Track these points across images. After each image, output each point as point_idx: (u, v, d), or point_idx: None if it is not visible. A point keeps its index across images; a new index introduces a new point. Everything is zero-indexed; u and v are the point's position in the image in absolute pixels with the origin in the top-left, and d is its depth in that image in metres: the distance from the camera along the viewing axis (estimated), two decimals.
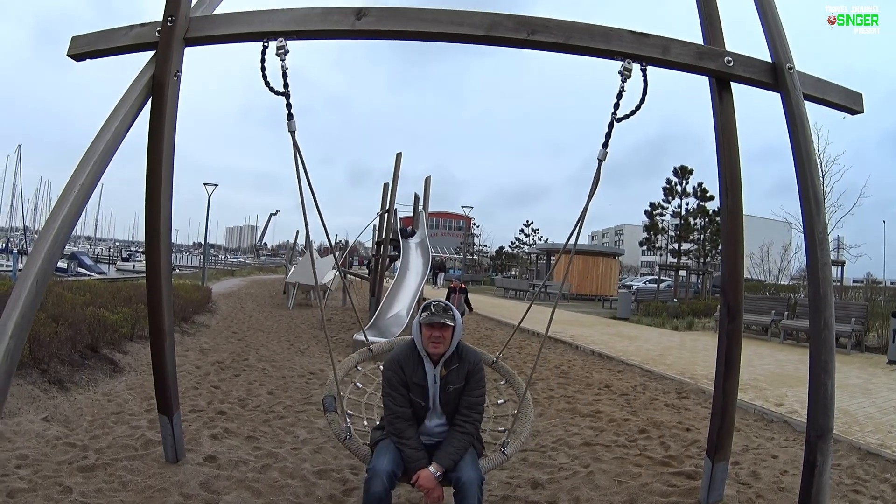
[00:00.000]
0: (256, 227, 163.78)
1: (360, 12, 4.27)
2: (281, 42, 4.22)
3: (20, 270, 5.58)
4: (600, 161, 4.15)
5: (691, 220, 36.14)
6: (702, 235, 36.41)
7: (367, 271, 28.47)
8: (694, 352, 14.21)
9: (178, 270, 48.04)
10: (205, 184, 34.31)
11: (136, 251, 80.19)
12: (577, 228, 4.20)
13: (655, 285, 37.65)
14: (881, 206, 55.60)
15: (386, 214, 18.88)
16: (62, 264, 37.31)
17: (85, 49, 4.61)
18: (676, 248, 36.65)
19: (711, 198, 34.51)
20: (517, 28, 4.26)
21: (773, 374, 11.10)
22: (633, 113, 4.16)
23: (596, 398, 8.93)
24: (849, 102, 4.69)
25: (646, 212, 38.18)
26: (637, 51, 4.24)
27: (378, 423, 4.26)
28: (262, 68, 4.26)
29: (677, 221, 36.91)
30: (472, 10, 4.28)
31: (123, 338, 10.20)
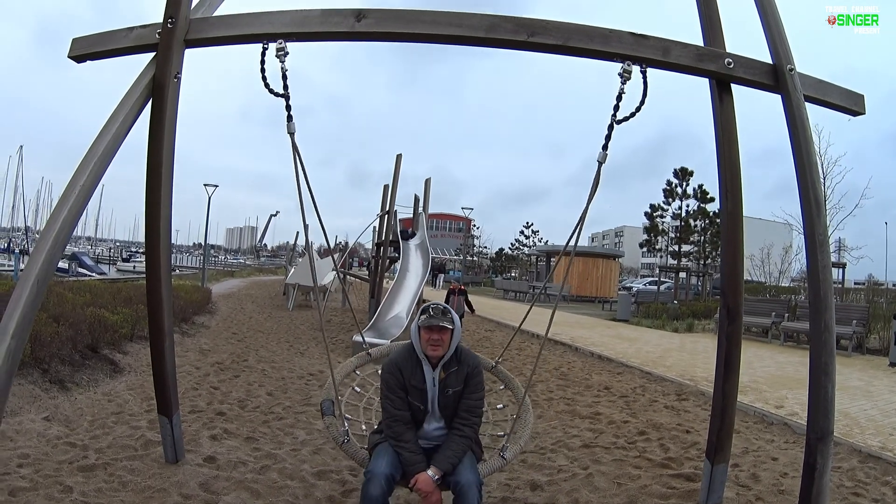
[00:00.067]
0: (256, 228, 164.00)
1: (359, 14, 4.28)
2: (280, 44, 4.23)
3: (22, 271, 5.59)
4: (600, 163, 4.15)
5: (691, 221, 36.11)
6: (702, 237, 36.39)
7: (367, 272, 28.47)
8: (694, 354, 14.21)
9: (178, 271, 48.09)
10: (205, 185, 34.34)
11: (137, 252, 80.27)
12: (577, 230, 4.20)
13: (655, 287, 37.66)
14: (883, 208, 55.46)
15: (386, 216, 18.88)
16: (63, 265, 37.37)
17: (85, 51, 4.62)
18: (676, 249, 36.62)
19: (712, 199, 34.47)
20: (516, 30, 4.26)
21: (774, 376, 11.09)
22: (632, 115, 4.17)
23: (595, 400, 8.93)
24: (850, 104, 4.69)
25: (646, 213, 38.17)
26: (637, 52, 4.25)
27: (376, 426, 4.24)
28: (262, 70, 4.27)
29: (677, 223, 36.88)
30: (471, 12, 4.29)
31: (124, 338, 10.20)
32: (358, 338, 12.35)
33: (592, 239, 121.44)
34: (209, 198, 34.40)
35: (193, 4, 4.58)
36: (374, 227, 21.58)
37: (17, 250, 47.75)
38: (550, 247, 50.38)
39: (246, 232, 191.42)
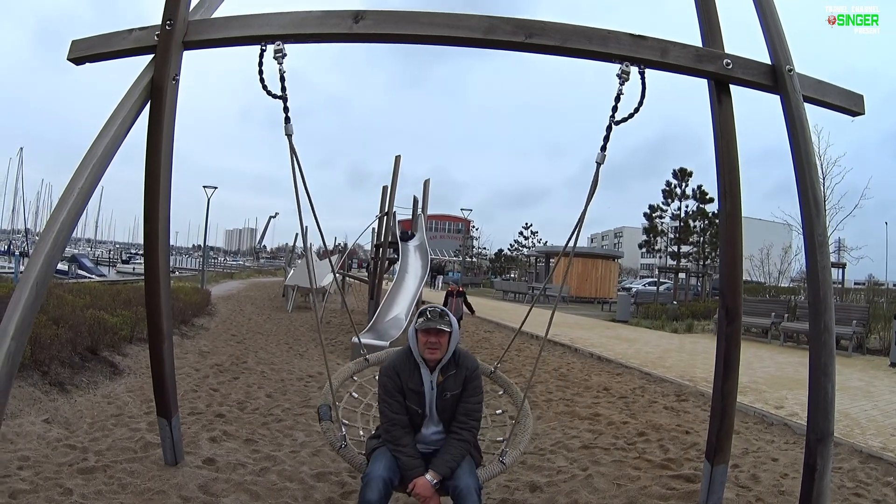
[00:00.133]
0: (256, 229, 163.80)
1: (357, 16, 4.28)
2: (279, 45, 4.23)
3: (21, 273, 5.59)
4: (598, 164, 4.14)
5: (690, 222, 36.04)
6: (701, 238, 36.29)
7: (366, 274, 28.47)
8: (693, 354, 14.22)
9: (177, 273, 48.13)
10: (204, 186, 34.35)
11: (136, 253, 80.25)
12: (576, 231, 4.19)
13: (655, 288, 37.64)
14: (883, 208, 55.43)
15: (385, 217, 18.88)
16: (63, 267, 37.37)
17: (84, 53, 4.62)
18: (676, 250, 36.56)
19: (711, 200, 34.39)
20: (514, 31, 4.26)
21: (773, 376, 11.09)
22: (631, 116, 4.17)
23: (595, 401, 8.92)
24: (849, 104, 4.68)
25: (645, 214, 38.05)
26: (635, 53, 4.25)
27: (374, 431, 4.22)
28: (260, 72, 4.28)
29: (676, 224, 36.82)
30: (469, 14, 4.29)
31: (123, 340, 10.19)
32: (357, 339, 12.42)
33: (592, 240, 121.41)
34: (208, 199, 34.45)
35: (192, 6, 4.58)
36: (373, 229, 21.60)
37: (17, 252, 47.74)
38: (549, 247, 50.37)
39: (245, 233, 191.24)
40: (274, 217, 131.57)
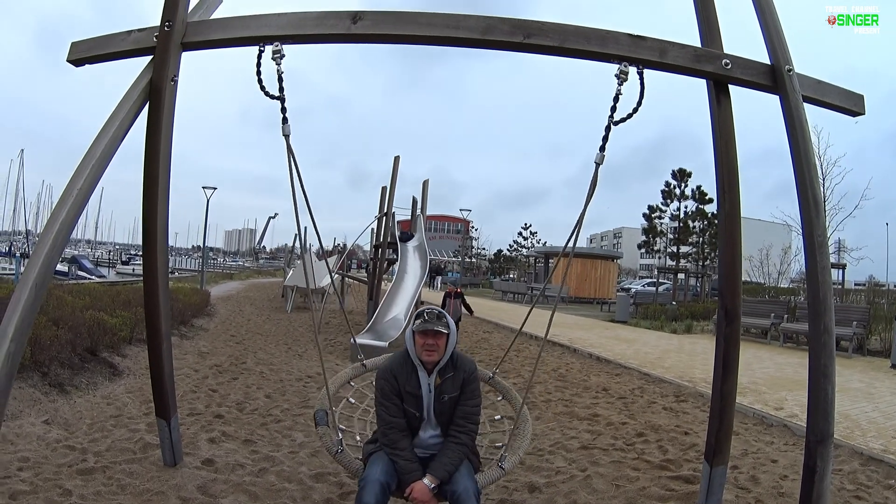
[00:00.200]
0: (255, 230, 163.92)
1: (355, 16, 4.28)
2: (277, 46, 4.24)
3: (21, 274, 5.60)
4: (597, 164, 4.15)
5: (690, 222, 36.09)
6: (700, 238, 36.36)
7: (365, 274, 28.46)
8: (692, 355, 14.21)
9: (176, 274, 48.21)
10: (203, 187, 34.35)
11: (136, 254, 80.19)
12: (576, 231, 4.19)
13: (654, 288, 37.65)
14: (884, 209, 55.32)
15: (384, 217, 18.89)
16: (63, 268, 37.43)
17: (84, 54, 4.62)
18: (675, 251, 36.60)
19: (710, 200, 34.39)
20: (513, 31, 4.26)
21: (773, 377, 11.08)
22: (630, 116, 4.17)
23: (594, 401, 8.92)
24: (849, 104, 4.68)
25: (644, 215, 38.12)
26: (634, 54, 4.25)
27: (370, 437, 4.17)
28: (258, 72, 4.29)
29: (676, 224, 36.86)
30: (467, 14, 4.29)
31: (122, 341, 10.19)
32: (357, 339, 12.40)
33: (591, 240, 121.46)
34: (208, 200, 34.43)
35: (191, 7, 4.59)
36: (373, 229, 21.59)
37: (17, 254, 47.77)
38: (549, 248, 50.41)
39: (245, 234, 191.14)
40: (273, 218, 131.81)
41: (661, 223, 38.45)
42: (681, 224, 36.03)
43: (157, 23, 4.43)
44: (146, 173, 4.59)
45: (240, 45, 4.43)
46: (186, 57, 4.59)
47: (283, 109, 4.22)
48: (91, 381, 8.14)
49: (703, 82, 4.57)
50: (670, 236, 38.35)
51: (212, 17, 4.75)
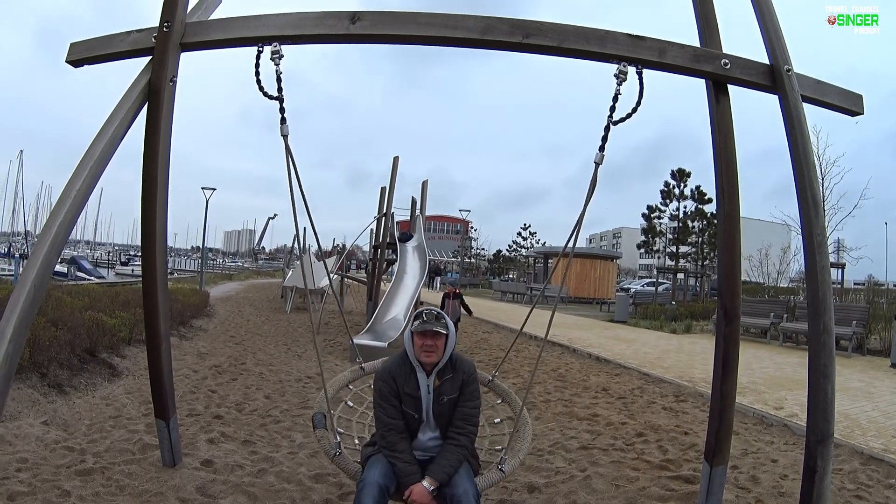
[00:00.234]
0: (255, 230, 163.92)
1: (354, 16, 4.28)
2: (276, 46, 4.24)
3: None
4: (597, 164, 4.15)
5: (689, 222, 36.04)
6: (700, 238, 36.31)
7: (364, 275, 28.45)
8: (692, 355, 14.21)
9: (176, 275, 48.20)
10: (203, 188, 34.33)
11: (135, 255, 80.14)
12: (576, 231, 4.18)
13: (653, 288, 37.64)
14: (883, 208, 55.29)
15: (383, 218, 18.89)
16: (62, 269, 37.37)
17: (83, 55, 4.62)
18: (674, 251, 36.56)
19: (710, 200, 34.31)
20: (511, 31, 4.26)
21: (772, 377, 11.09)
22: (629, 116, 4.17)
23: (593, 401, 8.92)
24: (848, 104, 4.68)
25: (643, 215, 38.07)
26: (633, 53, 4.25)
27: (369, 439, 4.13)
28: (257, 73, 4.30)
29: (675, 224, 36.83)
30: (466, 14, 4.29)
31: (122, 342, 10.18)
32: (356, 340, 12.38)
33: (590, 240, 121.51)
34: (207, 200, 34.40)
35: (190, 8, 4.59)
36: (372, 229, 21.59)
37: (16, 255, 47.74)
38: (548, 248, 50.40)
39: (244, 235, 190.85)
40: (273, 218, 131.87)
41: (661, 223, 38.40)
42: (680, 224, 35.99)
43: (157, 23, 4.43)
44: (145, 174, 4.59)
45: (238, 45, 4.43)
46: (186, 57, 4.60)
47: (282, 110, 4.23)
48: (90, 381, 8.13)
49: (702, 82, 4.57)
50: (669, 236, 38.30)
51: (211, 18, 4.75)
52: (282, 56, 4.24)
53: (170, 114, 4.59)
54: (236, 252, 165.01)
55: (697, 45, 4.51)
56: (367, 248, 29.71)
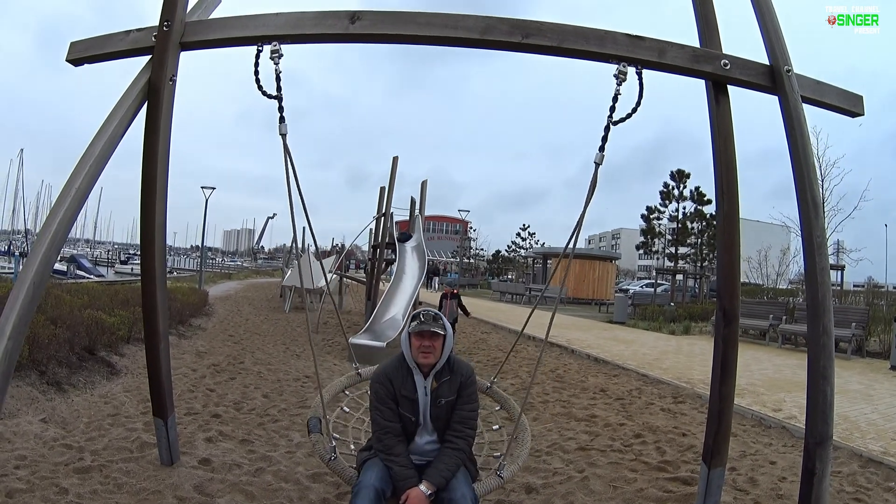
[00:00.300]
0: (254, 230, 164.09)
1: (354, 16, 4.28)
2: (275, 46, 4.25)
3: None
4: (597, 164, 4.15)
5: (688, 223, 36.04)
6: (699, 239, 36.31)
7: (363, 275, 28.47)
8: (690, 356, 14.21)
9: (175, 274, 48.17)
10: (202, 187, 34.34)
11: (135, 254, 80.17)
12: (576, 232, 4.18)
13: (652, 289, 37.64)
14: (883, 210, 55.35)
15: (382, 218, 18.90)
16: (61, 267, 37.39)
17: (83, 54, 4.63)
18: (673, 252, 36.56)
19: (709, 202, 34.30)
20: (511, 31, 4.26)
21: (771, 378, 11.09)
22: (629, 116, 4.17)
23: (591, 402, 8.92)
24: (848, 105, 4.68)
25: (642, 216, 38.08)
26: (632, 54, 4.25)
27: (365, 444, 4.06)
28: (256, 72, 4.32)
29: (674, 225, 36.82)
30: (466, 14, 4.29)
31: (120, 340, 10.18)
32: (355, 340, 12.39)
33: (589, 241, 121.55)
34: (206, 200, 34.41)
35: (189, 7, 4.60)
36: (371, 229, 21.60)
37: (17, 253, 47.77)
38: (547, 249, 50.40)
39: (243, 234, 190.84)
40: (272, 218, 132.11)
41: (660, 224, 38.42)
42: (679, 225, 36.00)
43: (156, 23, 4.44)
44: (144, 173, 4.59)
45: (238, 44, 4.44)
46: (185, 56, 4.60)
47: (281, 109, 4.25)
48: (89, 379, 8.13)
49: (702, 83, 4.57)
50: (669, 237, 38.29)
51: (210, 17, 4.75)
52: (281, 55, 4.25)
53: (169, 113, 4.60)
54: (235, 251, 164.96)
55: (697, 45, 4.51)
56: (366, 247, 29.68)
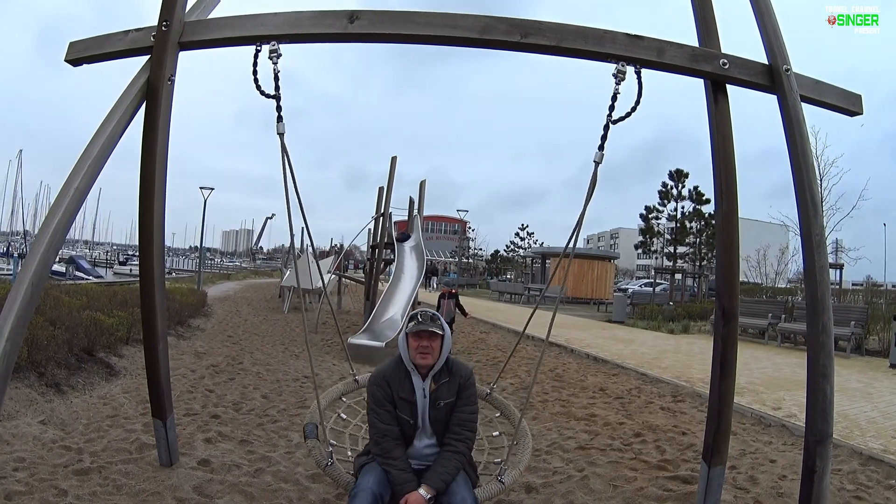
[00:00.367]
0: (252, 230, 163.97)
1: (352, 15, 4.28)
2: (273, 45, 4.25)
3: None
4: (597, 163, 4.15)
5: (687, 223, 36.06)
6: (697, 239, 36.35)
7: (362, 275, 28.46)
8: (690, 355, 14.21)
9: (174, 274, 48.23)
10: (201, 187, 34.31)
11: (133, 255, 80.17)
12: (576, 231, 4.18)
13: (651, 288, 37.67)
14: (882, 209, 55.28)
15: (381, 218, 18.89)
16: (60, 268, 37.39)
17: (82, 54, 4.64)
18: (672, 251, 36.58)
19: (707, 201, 34.34)
20: (510, 31, 4.26)
21: (771, 377, 11.09)
22: (628, 115, 4.17)
23: (591, 402, 8.92)
24: (847, 104, 4.68)
25: (641, 215, 38.11)
26: (631, 53, 4.25)
27: (362, 450, 4.01)
28: (255, 72, 4.32)
29: (673, 225, 36.84)
30: (465, 13, 4.28)
31: (119, 341, 10.17)
32: (353, 340, 12.38)
33: (588, 241, 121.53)
34: (205, 200, 34.37)
35: (188, 7, 4.60)
36: (370, 230, 21.60)
37: (15, 254, 47.76)
38: (546, 248, 50.41)
39: (242, 234, 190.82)
40: (271, 218, 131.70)
41: (658, 224, 38.44)
42: (678, 224, 36.01)
43: (155, 23, 4.44)
44: (143, 173, 4.59)
45: (237, 44, 4.44)
46: (185, 57, 4.60)
47: (279, 108, 4.24)
48: (88, 381, 8.12)
49: (701, 82, 4.57)
50: (667, 237, 38.30)
51: (209, 17, 4.75)
52: (280, 55, 4.26)
53: (168, 113, 4.60)
54: (234, 252, 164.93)
55: (696, 45, 4.51)
56: (364, 247, 29.67)
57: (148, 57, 4.47)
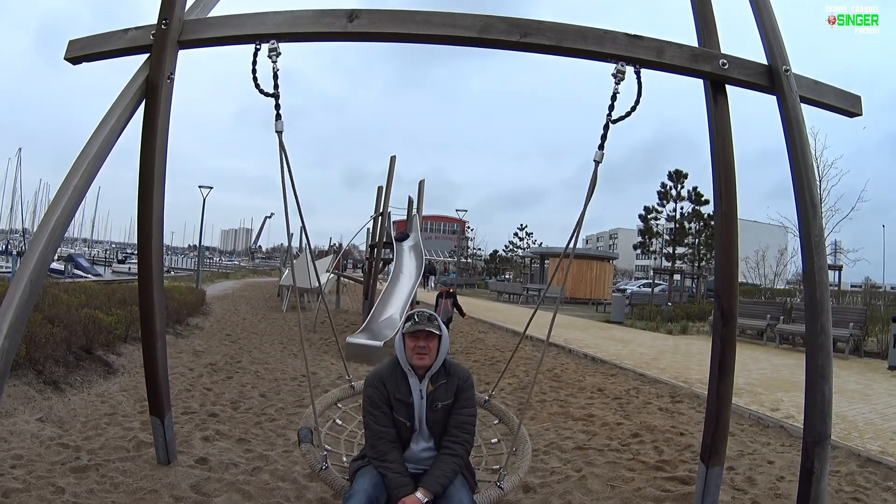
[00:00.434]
0: (251, 229, 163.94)
1: (352, 14, 4.28)
2: (273, 44, 4.25)
3: None
4: (597, 162, 4.14)
5: (686, 224, 36.04)
6: (696, 239, 36.34)
7: (361, 274, 28.43)
8: (688, 356, 14.21)
9: (172, 273, 48.13)
10: (200, 186, 34.28)
11: (132, 253, 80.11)
12: (577, 231, 4.17)
13: (650, 289, 37.67)
14: (881, 210, 55.49)
15: (380, 217, 18.89)
16: (59, 266, 37.36)
17: (81, 52, 4.64)
18: (671, 252, 36.56)
19: (706, 202, 34.33)
20: (510, 30, 4.26)
21: (769, 378, 11.10)
22: (627, 115, 4.17)
23: (589, 402, 8.91)
24: (847, 105, 4.69)
25: (640, 216, 38.08)
26: (631, 53, 4.25)
27: (357, 454, 3.89)
28: (254, 70, 4.32)
29: (672, 225, 36.82)
30: (464, 13, 4.29)
31: (118, 339, 10.18)
32: (352, 339, 12.37)
33: (587, 241, 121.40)
34: (204, 199, 34.37)
35: (188, 6, 4.60)
36: (368, 229, 21.59)
37: (14, 252, 47.71)
38: (545, 248, 50.42)
39: (241, 233, 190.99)
40: (269, 217, 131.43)
41: (657, 224, 38.43)
42: (676, 225, 36.00)
43: (155, 21, 4.44)
44: (142, 171, 4.59)
45: (236, 43, 4.44)
46: (184, 55, 4.60)
47: (277, 106, 4.24)
48: (86, 379, 8.12)
49: (700, 83, 4.57)
50: (666, 237, 38.29)
51: (209, 16, 4.75)
52: (279, 54, 4.26)
53: (167, 111, 4.60)
54: (233, 251, 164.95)
55: (696, 45, 4.51)
56: (363, 247, 29.66)
57: (147, 55, 4.48)
